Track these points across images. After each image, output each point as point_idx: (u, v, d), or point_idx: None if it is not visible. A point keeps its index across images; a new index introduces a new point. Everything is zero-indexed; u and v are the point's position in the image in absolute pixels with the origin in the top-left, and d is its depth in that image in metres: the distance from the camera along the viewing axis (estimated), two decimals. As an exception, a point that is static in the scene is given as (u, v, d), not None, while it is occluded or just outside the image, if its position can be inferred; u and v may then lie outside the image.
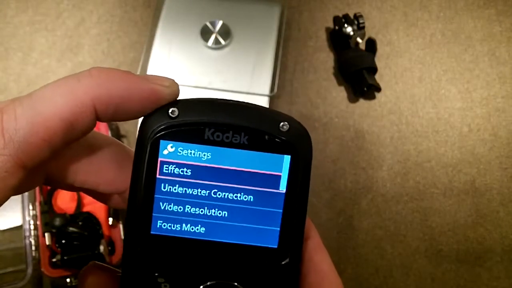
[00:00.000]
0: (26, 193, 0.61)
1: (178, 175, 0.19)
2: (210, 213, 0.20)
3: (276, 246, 0.20)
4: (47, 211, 0.60)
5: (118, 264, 0.61)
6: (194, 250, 0.20)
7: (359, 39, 0.76)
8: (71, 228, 0.59)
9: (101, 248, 0.59)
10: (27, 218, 0.60)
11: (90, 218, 0.61)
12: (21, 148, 0.16)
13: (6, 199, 0.17)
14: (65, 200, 0.62)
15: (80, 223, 0.60)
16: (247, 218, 0.20)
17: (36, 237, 0.60)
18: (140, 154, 0.19)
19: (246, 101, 0.20)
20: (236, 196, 0.20)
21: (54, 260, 0.58)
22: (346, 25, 0.76)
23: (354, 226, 0.69)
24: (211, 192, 0.20)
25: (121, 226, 0.63)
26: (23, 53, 0.77)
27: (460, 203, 0.71)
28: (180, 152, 0.19)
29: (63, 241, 0.59)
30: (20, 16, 0.80)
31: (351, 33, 0.75)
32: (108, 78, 0.17)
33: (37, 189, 0.61)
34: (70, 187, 0.21)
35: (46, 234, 0.59)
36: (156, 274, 0.20)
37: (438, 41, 0.80)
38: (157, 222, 0.20)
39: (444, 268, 0.68)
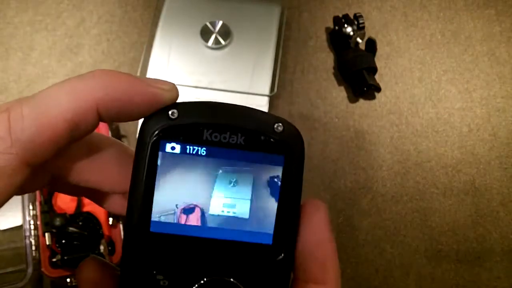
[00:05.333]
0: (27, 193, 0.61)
1: (177, 174, 0.20)
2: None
3: (271, 243, 0.21)
4: (47, 211, 0.60)
5: (119, 264, 0.61)
6: (192, 247, 0.20)
7: (359, 39, 0.76)
8: (71, 228, 0.59)
9: (101, 248, 0.59)
10: (27, 218, 0.60)
11: (90, 218, 0.61)
12: (27, 147, 0.16)
13: (10, 196, 0.17)
14: (65, 200, 0.62)
15: (80, 223, 0.60)
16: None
17: (36, 237, 0.60)
18: (140, 154, 0.20)
19: (242, 104, 0.21)
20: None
21: (54, 260, 0.58)
22: (346, 25, 0.76)
23: (354, 226, 0.69)
24: (208, 190, 0.20)
25: (121, 226, 0.63)
26: (23, 53, 0.77)
27: (460, 203, 0.71)
28: (179, 152, 0.20)
29: (63, 241, 0.59)
30: (20, 16, 0.80)
31: (351, 33, 0.75)
32: (111, 80, 0.18)
33: (37, 189, 0.61)
34: (75, 189, 0.22)
35: (46, 234, 0.59)
36: (155, 272, 0.20)
37: (438, 41, 0.80)
38: (156, 220, 0.20)
39: (443, 268, 0.68)
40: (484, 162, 0.73)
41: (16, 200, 0.61)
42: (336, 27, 0.77)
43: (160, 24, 0.75)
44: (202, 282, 0.20)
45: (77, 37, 0.79)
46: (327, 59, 0.79)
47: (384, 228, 0.69)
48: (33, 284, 0.60)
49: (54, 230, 0.59)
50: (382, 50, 0.79)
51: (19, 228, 0.61)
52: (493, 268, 0.68)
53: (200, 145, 0.20)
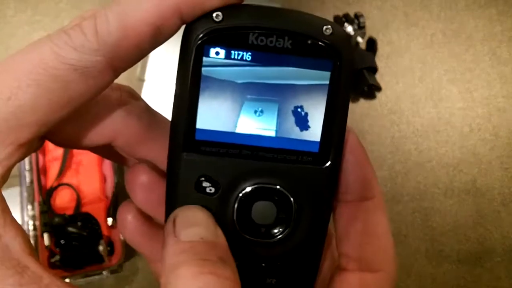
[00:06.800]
0: (25, 194, 0.61)
1: (223, 80, 0.19)
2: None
3: (317, 151, 0.20)
4: (46, 211, 0.60)
5: (119, 264, 0.61)
6: (238, 155, 0.20)
7: (359, 39, 0.76)
8: (70, 229, 0.59)
9: (100, 248, 0.59)
10: (26, 219, 0.60)
11: (89, 219, 0.60)
12: (113, 51, 0.17)
13: (92, 97, 0.18)
14: (64, 200, 0.62)
15: (79, 223, 0.59)
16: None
17: (35, 237, 0.59)
18: (184, 60, 0.19)
19: (289, 8, 0.20)
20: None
21: (53, 260, 0.58)
22: (346, 24, 0.75)
23: (355, 226, 0.69)
24: (254, 97, 0.20)
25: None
26: (22, 52, 0.77)
27: (461, 203, 0.70)
28: (224, 57, 0.19)
29: (62, 242, 0.58)
30: (19, 16, 0.80)
31: (352, 32, 0.75)
32: None
33: (36, 189, 0.61)
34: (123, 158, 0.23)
35: (45, 235, 0.59)
36: (202, 179, 0.20)
37: (438, 40, 0.80)
38: (202, 127, 0.20)
39: (444, 269, 0.67)
40: (485, 162, 0.72)
41: (15, 200, 0.61)
42: (337, 27, 0.76)
43: (160, 23, 0.75)
44: (248, 189, 0.20)
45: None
46: (327, 58, 0.79)
47: (385, 228, 0.69)
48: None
49: (53, 231, 0.59)
50: (382, 50, 0.78)
51: (18, 228, 0.60)
52: (494, 269, 0.67)
53: (245, 49, 0.19)
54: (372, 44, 0.76)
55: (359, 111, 0.75)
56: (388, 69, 0.78)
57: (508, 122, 0.75)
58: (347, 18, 0.76)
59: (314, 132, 0.20)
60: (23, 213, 0.60)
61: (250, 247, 0.20)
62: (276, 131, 0.20)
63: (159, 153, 0.21)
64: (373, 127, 0.74)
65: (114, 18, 0.17)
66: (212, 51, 0.19)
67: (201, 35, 0.19)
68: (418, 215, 0.70)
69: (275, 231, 0.20)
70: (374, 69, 0.75)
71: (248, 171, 0.20)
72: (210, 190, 0.20)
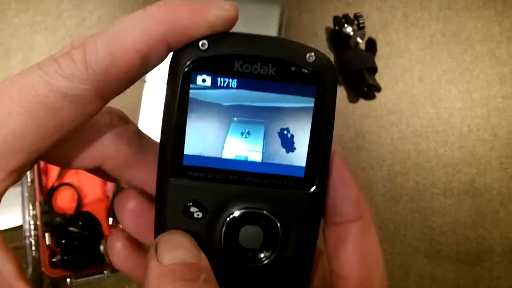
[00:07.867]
0: (26, 193, 0.61)
1: (209, 106, 0.20)
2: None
3: (303, 176, 0.20)
4: (47, 211, 0.60)
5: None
6: (225, 180, 0.20)
7: (359, 39, 0.76)
8: (71, 228, 0.59)
9: (101, 248, 0.59)
10: (27, 218, 0.60)
11: (90, 218, 0.61)
12: (102, 79, 0.17)
13: (81, 124, 0.18)
14: (65, 200, 0.62)
15: (80, 223, 0.60)
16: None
17: (36, 237, 0.60)
18: (171, 88, 0.20)
19: (274, 36, 0.20)
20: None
21: (54, 260, 0.59)
22: (346, 25, 0.76)
23: (354, 226, 0.69)
24: (240, 123, 0.20)
25: (121, 226, 0.63)
26: (23, 53, 0.77)
27: (460, 203, 0.71)
28: (210, 84, 0.20)
29: (63, 241, 0.59)
30: (20, 17, 0.80)
31: (351, 33, 0.75)
32: (176, 9, 0.18)
33: (37, 189, 0.61)
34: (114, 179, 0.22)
35: (46, 234, 0.59)
36: (190, 204, 0.20)
37: (438, 41, 0.80)
38: (189, 152, 0.20)
39: (444, 268, 0.68)
40: (484, 162, 0.73)
41: (16, 200, 0.61)
42: (336, 27, 0.77)
43: (160, 24, 0.75)
44: (235, 214, 0.20)
45: (77, 37, 0.79)
46: (327, 59, 0.79)
47: (384, 228, 0.69)
48: (33, 284, 0.60)
49: (54, 230, 0.59)
50: (382, 50, 0.79)
51: (19, 228, 0.61)
52: (493, 268, 0.68)
53: (231, 76, 0.20)
54: (371, 44, 0.76)
55: (358, 111, 0.75)
56: (387, 70, 0.78)
57: (507, 123, 0.75)
58: (346, 19, 0.76)
59: (300, 156, 0.20)
60: (24, 212, 0.61)
61: (237, 272, 0.21)
62: (263, 153, 0.20)
63: (148, 177, 0.21)
64: (372, 128, 0.74)
65: (103, 47, 0.17)
66: (199, 79, 0.20)
67: (188, 63, 0.20)
68: (417, 215, 0.70)
69: (262, 255, 0.21)
70: (373, 70, 0.75)
71: (235, 196, 0.20)
72: (198, 215, 0.20)
